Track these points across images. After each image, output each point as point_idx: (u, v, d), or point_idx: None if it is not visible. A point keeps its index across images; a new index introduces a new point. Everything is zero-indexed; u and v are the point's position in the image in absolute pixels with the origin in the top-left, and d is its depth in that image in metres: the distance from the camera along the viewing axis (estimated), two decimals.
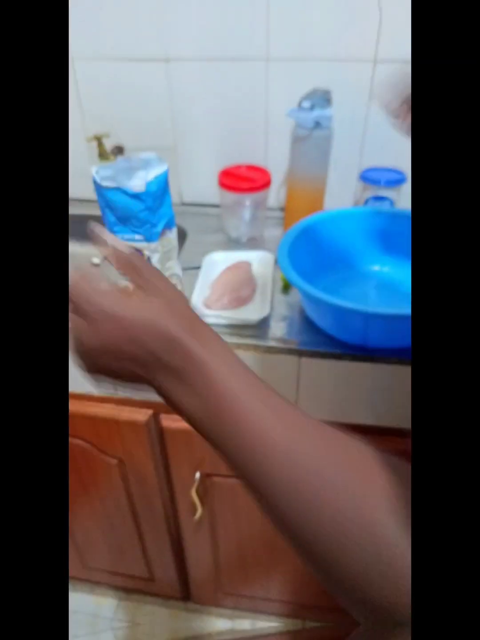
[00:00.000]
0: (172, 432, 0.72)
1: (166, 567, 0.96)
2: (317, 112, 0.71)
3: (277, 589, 0.97)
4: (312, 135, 0.73)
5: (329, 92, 0.72)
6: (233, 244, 0.85)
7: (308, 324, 0.65)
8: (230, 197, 0.80)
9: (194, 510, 0.79)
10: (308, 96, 0.71)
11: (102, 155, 0.85)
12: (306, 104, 0.71)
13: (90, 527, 0.93)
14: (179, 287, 0.65)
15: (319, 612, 1.00)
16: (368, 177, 0.78)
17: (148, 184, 0.55)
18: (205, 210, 0.92)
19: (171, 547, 0.91)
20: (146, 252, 0.59)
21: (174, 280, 0.64)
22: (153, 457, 0.75)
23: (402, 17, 0.71)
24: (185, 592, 1.05)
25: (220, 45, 0.78)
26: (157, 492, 0.80)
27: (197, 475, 0.75)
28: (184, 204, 0.95)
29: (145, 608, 1.11)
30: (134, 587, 1.07)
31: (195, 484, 0.75)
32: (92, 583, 1.10)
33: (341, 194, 0.88)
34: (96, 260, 0.86)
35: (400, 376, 0.61)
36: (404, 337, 0.60)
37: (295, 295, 0.71)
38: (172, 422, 0.71)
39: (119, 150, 0.87)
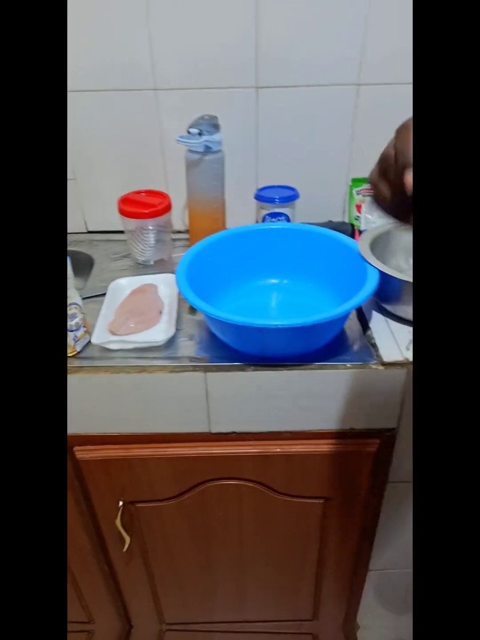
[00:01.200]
0: (88, 463, 0.70)
1: (104, 606, 0.93)
2: (205, 137, 0.74)
3: (220, 611, 0.96)
4: (203, 159, 0.76)
5: (215, 118, 0.76)
6: (141, 268, 0.85)
7: (214, 340, 0.67)
8: (133, 223, 0.81)
9: (123, 541, 0.77)
10: (195, 123, 0.75)
11: None
12: (194, 131, 0.74)
13: None
14: (79, 317, 0.64)
15: (265, 625, 1.00)
16: (262, 197, 0.83)
17: None
18: (111, 236, 0.92)
19: (105, 584, 0.88)
20: None
21: (73, 310, 0.63)
22: (72, 491, 0.72)
23: (277, 45, 0.77)
24: (127, 628, 1.01)
25: (110, 76, 0.79)
26: (81, 528, 0.77)
27: (120, 504, 0.74)
28: (89, 232, 0.94)
29: None
30: (72, 630, 1.01)
31: (119, 513, 0.74)
32: None
33: (242, 212, 0.92)
34: None
35: (299, 380, 0.64)
36: (298, 345, 0.63)
37: (201, 314, 0.73)
38: (87, 453, 0.69)
39: None
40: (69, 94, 0.81)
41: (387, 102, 0.81)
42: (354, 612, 0.96)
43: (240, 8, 0.74)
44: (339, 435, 0.70)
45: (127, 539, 0.76)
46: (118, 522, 0.74)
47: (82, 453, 0.69)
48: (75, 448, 0.69)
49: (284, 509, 0.77)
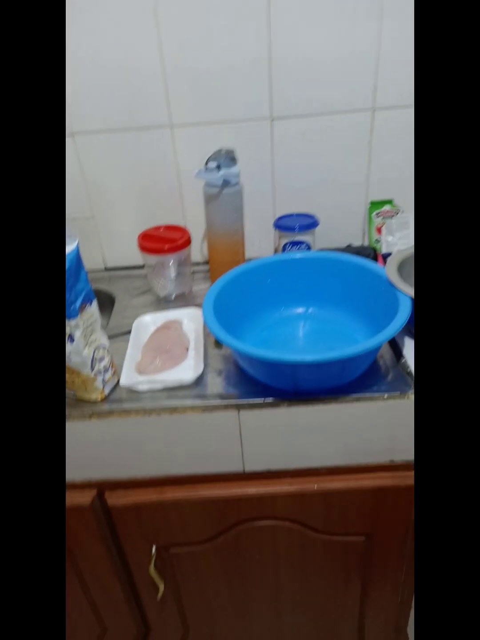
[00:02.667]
0: (119, 510, 0.68)
1: None
2: (223, 171, 0.74)
3: None
4: (222, 193, 0.76)
5: (233, 151, 0.76)
6: (162, 303, 0.84)
7: (243, 375, 0.66)
8: (153, 259, 0.81)
9: (156, 588, 0.74)
10: (213, 157, 0.75)
11: None
12: (212, 165, 0.74)
13: None
14: (107, 358, 0.63)
15: None
16: (282, 226, 0.82)
17: None
18: (131, 272, 0.92)
19: (139, 634, 0.84)
20: (67, 329, 0.58)
21: (101, 352, 0.62)
22: (103, 540, 0.70)
23: (290, 76, 0.77)
24: None
25: (123, 115, 0.80)
26: (114, 577, 0.74)
27: (154, 549, 0.71)
28: (108, 269, 0.94)
29: None
30: None
31: (153, 560, 0.71)
32: None
33: (261, 242, 0.91)
34: None
35: (336, 414, 0.62)
36: (332, 378, 0.61)
37: (229, 348, 0.71)
38: (118, 498, 0.67)
39: None
40: (84, 136, 0.82)
41: (403, 124, 0.80)
42: None
43: (252, 38, 0.74)
44: (378, 469, 0.67)
45: (161, 586, 0.73)
46: (152, 568, 0.71)
47: (113, 499, 0.67)
48: (106, 494, 0.67)
49: (323, 548, 0.73)
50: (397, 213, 0.87)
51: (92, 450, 0.65)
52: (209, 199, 0.77)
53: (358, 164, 0.85)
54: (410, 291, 0.62)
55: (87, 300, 0.59)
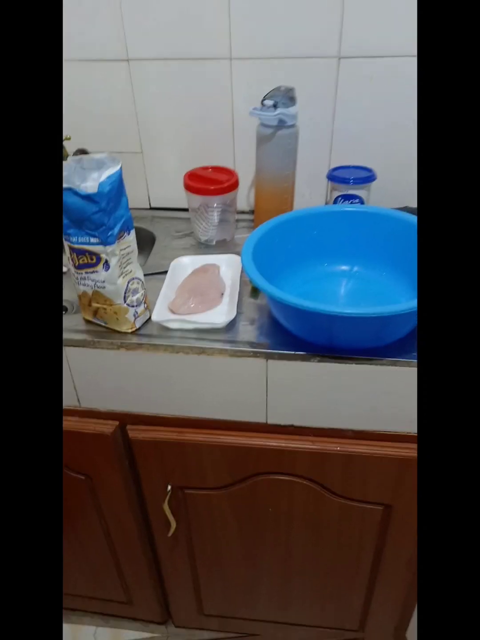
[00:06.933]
0: (140, 444, 0.68)
1: (144, 589, 0.92)
2: (280, 110, 0.70)
3: (262, 608, 0.92)
4: (276, 134, 0.71)
5: (292, 90, 0.71)
6: (203, 247, 0.82)
7: (276, 326, 0.63)
8: (197, 199, 0.78)
9: (168, 526, 0.75)
10: (270, 94, 0.70)
11: (64, 159, 0.83)
12: (268, 102, 0.69)
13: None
14: (140, 292, 0.62)
15: (306, 630, 0.96)
16: (336, 177, 0.77)
17: (100, 185, 0.53)
18: (175, 214, 0.90)
19: (148, 567, 0.87)
20: (103, 256, 0.57)
21: (135, 285, 0.61)
22: (121, 471, 0.71)
23: (363, 13, 0.70)
24: (166, 615, 1.00)
25: (181, 44, 0.76)
26: (128, 509, 0.76)
27: (169, 488, 0.72)
28: (152, 208, 0.92)
29: (125, 634, 1.06)
30: (111, 612, 1.02)
31: (167, 497, 0.72)
32: (67, 610, 1.05)
33: (311, 193, 0.86)
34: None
35: (369, 376, 0.59)
36: (370, 338, 0.58)
37: (264, 298, 0.68)
38: (140, 433, 0.67)
39: (82, 153, 0.85)
40: (139, 63, 0.78)
41: None
42: (404, 628, 0.90)
43: None
44: (406, 439, 0.64)
45: (173, 524, 0.74)
46: (166, 505, 0.72)
47: (134, 432, 0.67)
48: (128, 426, 0.68)
49: (339, 512, 0.72)
50: None
51: (118, 382, 0.65)
52: (262, 140, 0.73)
53: None
54: None
55: (125, 229, 0.57)
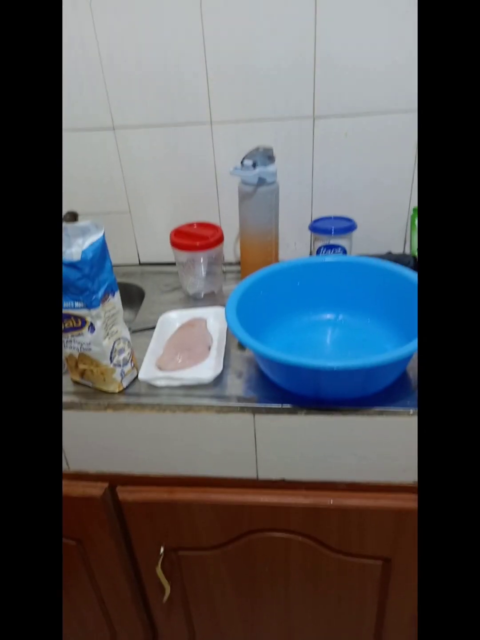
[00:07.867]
0: (130, 505, 0.67)
1: None
2: (259, 169, 0.73)
3: None
4: (257, 191, 0.74)
5: (270, 149, 0.74)
6: (191, 300, 0.84)
7: (264, 378, 0.63)
8: (184, 255, 0.80)
9: (163, 590, 0.73)
10: (249, 154, 0.73)
11: None
12: (248, 162, 0.72)
13: None
14: (127, 351, 0.63)
15: None
16: (317, 228, 0.79)
17: (83, 252, 0.54)
18: (164, 268, 0.92)
19: (143, 632, 0.83)
20: (88, 319, 0.58)
21: (121, 344, 0.62)
22: (113, 534, 0.69)
23: (334, 76, 0.75)
24: None
25: (164, 111, 0.80)
26: (121, 573, 0.74)
27: (162, 549, 0.70)
28: (142, 264, 0.94)
29: None
30: None
31: (160, 560, 0.70)
32: None
33: (297, 244, 0.89)
34: None
35: (356, 427, 0.58)
36: (355, 389, 0.58)
37: (251, 351, 0.69)
38: (129, 494, 0.66)
39: (72, 216, 0.88)
40: (125, 130, 0.82)
41: None
42: None
43: (297, 34, 0.72)
44: (400, 489, 0.63)
45: (168, 588, 0.72)
46: (159, 569, 0.70)
47: (124, 494, 0.66)
48: (118, 488, 0.67)
49: (338, 568, 0.70)
50: None
51: (106, 442, 0.64)
52: (244, 197, 0.76)
53: (402, 167, 0.81)
54: None
55: (109, 291, 0.59)
